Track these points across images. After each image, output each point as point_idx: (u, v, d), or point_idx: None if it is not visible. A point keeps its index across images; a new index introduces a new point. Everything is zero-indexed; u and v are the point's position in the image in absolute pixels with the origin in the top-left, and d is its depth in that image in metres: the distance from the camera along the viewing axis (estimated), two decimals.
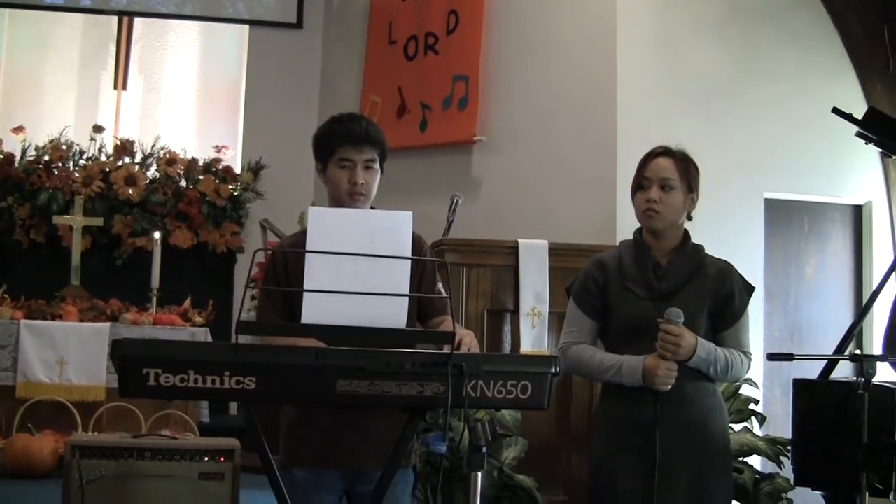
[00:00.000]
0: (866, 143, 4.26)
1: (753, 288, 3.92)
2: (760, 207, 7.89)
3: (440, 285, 3.66)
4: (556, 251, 5.60)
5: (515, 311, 5.60)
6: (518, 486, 4.93)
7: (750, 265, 7.58)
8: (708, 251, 3.94)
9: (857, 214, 8.34)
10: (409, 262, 3.13)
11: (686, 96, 7.71)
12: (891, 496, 3.54)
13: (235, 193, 8.74)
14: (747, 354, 3.85)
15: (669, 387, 3.63)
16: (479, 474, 2.69)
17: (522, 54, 7.80)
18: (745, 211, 7.79)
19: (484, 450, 2.71)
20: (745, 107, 7.86)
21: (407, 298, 3.11)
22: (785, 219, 8.10)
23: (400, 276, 3.10)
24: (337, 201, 3.62)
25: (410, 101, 8.24)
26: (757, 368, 6.98)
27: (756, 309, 7.58)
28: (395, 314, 3.07)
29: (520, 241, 5.60)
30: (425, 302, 3.62)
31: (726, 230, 7.51)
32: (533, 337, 5.52)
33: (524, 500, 4.95)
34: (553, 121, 7.59)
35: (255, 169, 8.87)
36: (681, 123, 7.41)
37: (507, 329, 5.66)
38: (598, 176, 7.04)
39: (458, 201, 6.02)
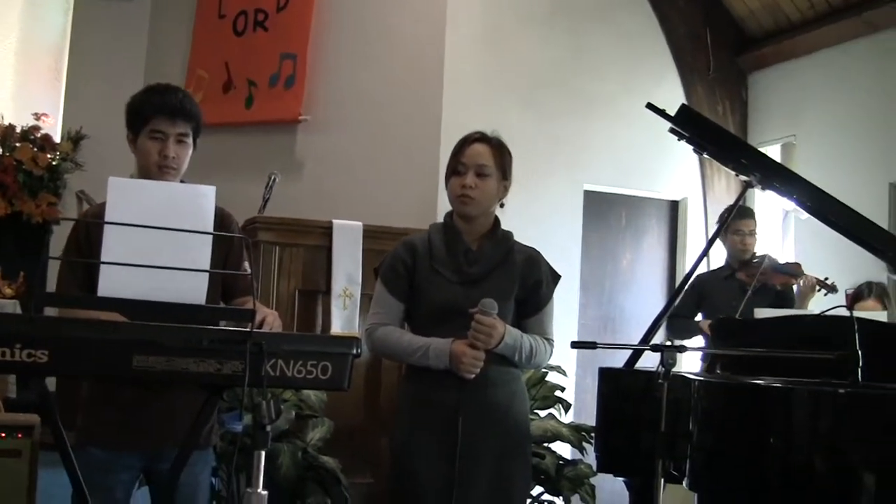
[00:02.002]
0: (679, 140, 4.34)
1: (559, 276, 3.97)
2: (580, 199, 8.03)
3: (247, 264, 3.60)
4: (370, 233, 5.59)
5: (327, 292, 5.58)
6: (322, 467, 4.91)
7: (567, 255, 7.75)
8: (528, 240, 3.97)
9: (674, 209, 8.57)
10: (210, 237, 3.08)
11: (512, 88, 7.80)
12: (684, 482, 3.62)
13: (54, 163, 8.45)
14: (550, 341, 3.90)
15: (474, 374, 3.66)
16: (262, 453, 2.66)
17: (352, 36, 7.78)
18: (566, 202, 7.93)
19: (268, 428, 2.68)
20: (570, 101, 7.99)
21: (207, 274, 3.06)
22: (603, 211, 8.27)
23: (200, 252, 3.03)
24: (146, 173, 3.53)
25: (237, 77, 8.11)
26: (569, 356, 7.08)
27: (571, 298, 7.77)
28: (194, 290, 3.01)
29: (334, 221, 5.57)
30: (230, 280, 3.57)
31: (546, 220, 7.65)
32: (344, 318, 5.50)
33: (328, 482, 4.93)
34: (379, 104, 7.58)
35: (75, 139, 8.56)
36: (506, 114, 7.49)
37: (319, 310, 5.64)
38: (421, 162, 7.07)
39: (275, 179, 5.96)
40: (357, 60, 7.72)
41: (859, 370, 3.39)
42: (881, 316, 5.34)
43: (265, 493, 2.63)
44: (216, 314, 3.25)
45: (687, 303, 6.27)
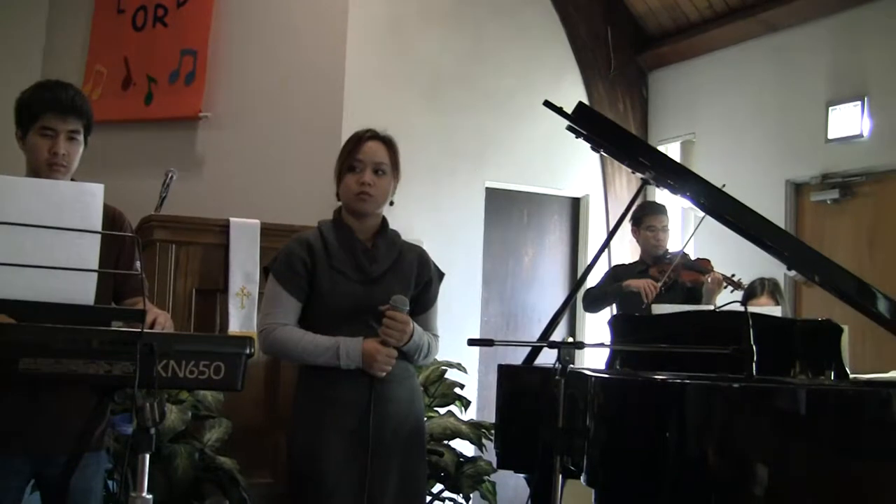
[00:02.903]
0: (576, 137, 4.35)
1: (444, 274, 3.97)
2: (482, 196, 8.05)
3: (138, 263, 3.53)
4: (268, 231, 5.52)
5: (225, 291, 5.51)
6: (220, 468, 4.85)
7: (470, 252, 7.77)
8: (431, 237, 4.00)
9: (575, 207, 8.63)
10: (98, 236, 3.01)
11: (413, 84, 7.81)
12: (581, 477, 3.63)
13: None
14: (437, 337, 3.92)
15: (386, 373, 3.65)
16: (147, 456, 2.61)
17: (252, 33, 7.72)
18: (467, 199, 7.96)
19: (152, 431, 2.63)
20: (471, 97, 8.01)
21: (95, 274, 3.00)
22: (505, 208, 8.30)
23: (88, 251, 2.98)
24: (35, 171, 3.46)
25: (136, 72, 7.99)
26: (471, 353, 7.12)
27: (473, 295, 7.78)
28: (82, 290, 2.96)
29: (231, 219, 5.50)
30: (121, 280, 3.51)
31: (449, 217, 7.67)
32: (242, 317, 5.43)
33: (226, 483, 4.86)
34: (280, 101, 7.54)
35: None
36: (407, 111, 7.51)
37: (217, 309, 5.57)
38: (322, 159, 6.88)
39: (172, 177, 5.90)
40: (258, 57, 7.66)
41: (754, 364, 3.42)
42: (775, 311, 5.41)
43: (149, 496, 2.59)
44: (106, 315, 3.19)
45: (605, 288, 6.37)
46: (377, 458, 3.63)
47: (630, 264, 6.68)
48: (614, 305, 6.44)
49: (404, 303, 3.63)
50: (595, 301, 6.45)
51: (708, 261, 6.45)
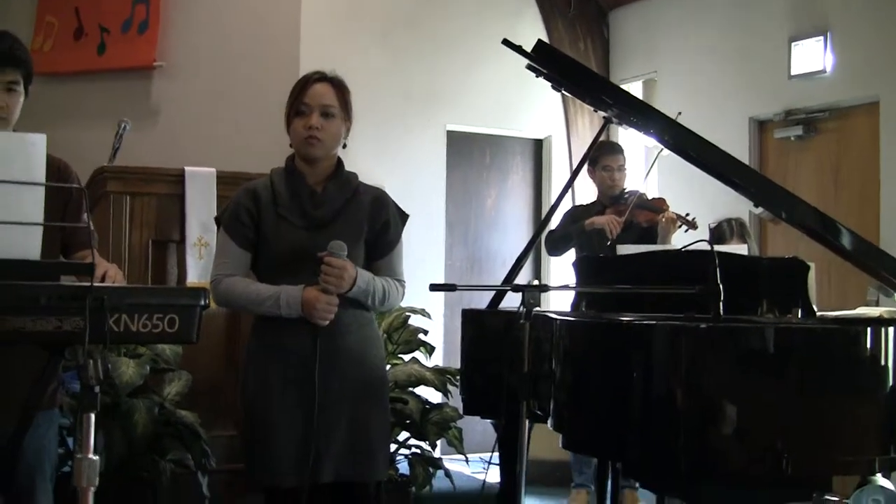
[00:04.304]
0: (537, 76, 4.27)
1: (407, 216, 3.86)
2: (443, 139, 7.99)
3: (85, 216, 3.42)
4: (225, 179, 5.43)
5: (182, 242, 5.44)
6: (180, 422, 4.80)
7: (432, 196, 7.72)
8: (391, 182, 3.89)
9: (538, 148, 8.59)
10: (42, 188, 2.91)
11: (370, 28, 7.74)
12: (549, 422, 3.59)
13: None
14: (402, 282, 3.81)
15: (328, 321, 3.56)
16: (91, 415, 2.53)
17: None
18: (428, 142, 7.91)
19: (97, 389, 2.55)
20: (428, 40, 7.95)
21: (41, 229, 2.90)
22: (467, 151, 8.25)
23: (32, 204, 2.87)
24: None
25: (88, 23, 7.88)
26: (436, 299, 7.08)
27: (437, 239, 7.74)
28: (27, 245, 2.85)
29: (186, 168, 5.41)
30: (69, 234, 3.42)
31: (409, 161, 7.62)
32: (200, 268, 5.35)
33: (187, 436, 4.82)
34: (235, 48, 7.48)
35: None
36: (364, 55, 7.44)
37: (174, 260, 5.50)
38: (279, 105, 6.86)
39: (125, 127, 5.81)
40: (212, 4, 7.61)
41: (721, 304, 3.37)
42: (741, 249, 5.37)
43: (96, 458, 2.50)
44: (54, 269, 3.08)
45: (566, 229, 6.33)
46: (324, 410, 3.55)
47: (587, 205, 6.64)
48: (577, 247, 6.38)
49: (342, 248, 3.52)
50: (557, 243, 6.41)
51: (663, 200, 6.43)
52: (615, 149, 6.54)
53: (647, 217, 6.26)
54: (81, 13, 7.91)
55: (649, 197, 6.58)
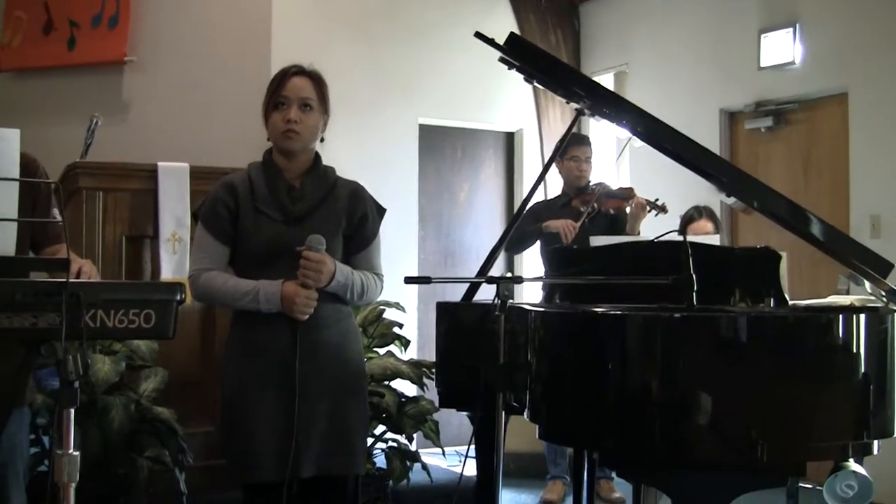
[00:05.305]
0: (509, 69, 4.28)
1: (385, 210, 3.86)
2: (415, 133, 7.99)
3: (56, 211, 3.42)
4: (198, 175, 5.42)
5: (155, 237, 5.42)
6: (157, 419, 4.78)
7: (404, 190, 7.72)
8: (363, 176, 3.87)
9: (510, 141, 8.60)
10: (16, 184, 2.91)
11: (342, 20, 7.72)
12: (525, 413, 3.60)
13: None
14: (380, 276, 3.81)
15: (308, 315, 3.56)
16: (71, 411, 2.53)
17: None
18: (400, 136, 7.91)
19: (76, 384, 2.55)
20: (401, 33, 7.95)
21: (15, 225, 2.89)
22: (439, 145, 8.25)
23: (5, 200, 2.87)
24: None
25: (57, 17, 7.86)
26: (409, 292, 7.08)
27: (410, 233, 7.74)
28: (2, 241, 2.86)
29: (159, 164, 5.40)
30: (39, 229, 3.39)
31: (382, 154, 7.62)
32: (174, 263, 5.34)
33: (163, 433, 4.80)
34: (207, 42, 7.45)
35: None
36: (336, 47, 7.42)
37: (148, 256, 5.48)
38: (252, 99, 6.80)
39: (97, 122, 5.79)
40: None
41: (694, 293, 3.40)
42: (713, 239, 5.40)
43: (76, 453, 2.51)
44: (27, 265, 3.08)
45: (524, 228, 6.30)
46: (304, 404, 3.55)
47: (553, 198, 6.66)
48: (539, 243, 6.40)
49: (320, 242, 3.52)
50: (515, 243, 6.40)
51: (631, 188, 6.46)
52: (583, 140, 6.58)
53: (615, 204, 6.29)
54: (51, 7, 7.89)
55: (615, 188, 6.60)
